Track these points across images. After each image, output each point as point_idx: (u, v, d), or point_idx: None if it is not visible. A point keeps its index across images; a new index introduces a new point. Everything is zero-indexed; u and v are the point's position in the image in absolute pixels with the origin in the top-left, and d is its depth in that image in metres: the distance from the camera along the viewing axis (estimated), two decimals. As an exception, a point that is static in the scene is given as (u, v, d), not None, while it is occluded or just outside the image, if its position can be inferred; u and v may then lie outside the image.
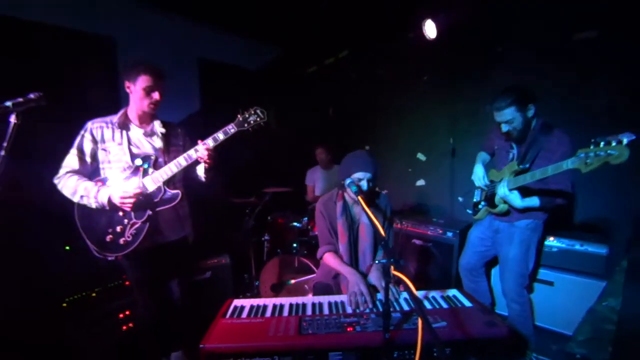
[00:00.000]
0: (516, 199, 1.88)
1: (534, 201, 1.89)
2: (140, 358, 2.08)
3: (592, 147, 1.43)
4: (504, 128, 1.94)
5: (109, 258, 1.70)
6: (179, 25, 3.36)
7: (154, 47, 3.13)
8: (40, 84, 1.47)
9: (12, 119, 1.38)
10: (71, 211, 1.71)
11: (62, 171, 1.68)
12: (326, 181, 3.76)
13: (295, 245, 2.89)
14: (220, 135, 1.71)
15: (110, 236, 1.68)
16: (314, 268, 2.62)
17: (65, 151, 1.71)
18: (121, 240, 1.68)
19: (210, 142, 1.71)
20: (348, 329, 1.24)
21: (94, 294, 2.26)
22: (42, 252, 2.22)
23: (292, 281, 2.69)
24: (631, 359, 1.81)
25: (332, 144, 3.71)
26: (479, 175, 2.21)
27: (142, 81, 1.67)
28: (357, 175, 1.66)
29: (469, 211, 2.40)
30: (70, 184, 1.64)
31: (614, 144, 1.35)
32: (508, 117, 1.88)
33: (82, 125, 1.73)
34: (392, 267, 1.04)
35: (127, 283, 2.46)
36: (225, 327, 1.29)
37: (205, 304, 2.61)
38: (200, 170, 1.85)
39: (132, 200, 1.61)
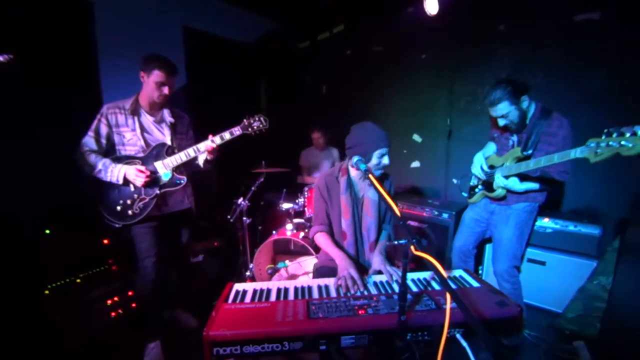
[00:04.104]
0: (515, 184, 1.91)
1: (534, 185, 1.91)
2: (134, 342, 2.02)
3: (604, 137, 1.39)
4: (501, 122, 1.94)
5: (116, 225, 1.87)
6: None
7: (134, 11, 2.88)
8: (10, 47, 1.33)
9: (-22, 83, 1.20)
10: (52, 190, 1.61)
11: (82, 149, 1.84)
12: (322, 162, 3.68)
13: (290, 226, 2.82)
14: (227, 135, 1.92)
15: (120, 207, 1.86)
16: (310, 249, 2.57)
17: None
18: (129, 212, 1.87)
19: (217, 140, 1.91)
20: (360, 312, 1.19)
21: (78, 280, 2.14)
22: (18, 236, 2.05)
23: (288, 262, 2.63)
24: (618, 335, 1.90)
25: (328, 125, 3.61)
26: (477, 164, 2.17)
27: (155, 76, 1.83)
28: (382, 150, 1.62)
29: (465, 194, 2.39)
30: (90, 161, 1.82)
31: (627, 135, 1.31)
32: (503, 112, 1.87)
33: (99, 109, 1.88)
34: (412, 248, 0.98)
35: (114, 268, 2.34)
36: (229, 312, 1.22)
37: (197, 288, 2.55)
38: (201, 160, 2.03)
39: (145, 177, 1.81)
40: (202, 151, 1.92)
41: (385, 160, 1.65)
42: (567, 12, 2.53)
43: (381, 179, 1.80)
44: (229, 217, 2.77)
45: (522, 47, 2.77)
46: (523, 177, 1.90)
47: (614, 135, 1.35)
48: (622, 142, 1.32)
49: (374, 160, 1.63)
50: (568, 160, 1.57)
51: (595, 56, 2.44)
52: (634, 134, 1.30)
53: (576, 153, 1.51)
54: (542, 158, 1.69)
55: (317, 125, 3.58)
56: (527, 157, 1.90)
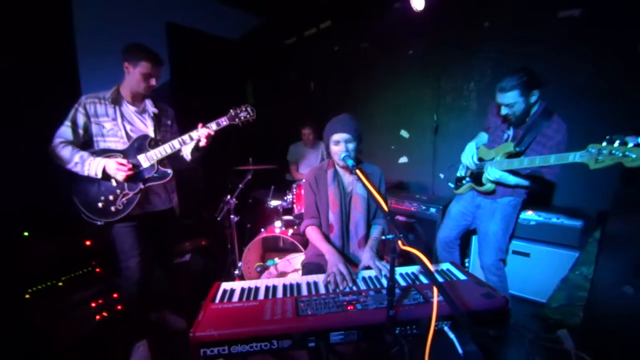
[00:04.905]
0: (508, 177, 1.89)
1: (524, 181, 1.91)
2: (120, 344, 1.98)
3: (605, 144, 1.36)
4: (503, 111, 1.90)
5: (98, 223, 1.78)
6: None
7: (115, 5, 2.80)
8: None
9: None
10: (30, 190, 1.55)
11: (56, 141, 1.73)
12: (310, 158, 3.66)
13: (279, 224, 2.80)
14: (213, 126, 1.87)
15: (102, 203, 1.77)
16: (300, 246, 2.56)
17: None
18: (112, 208, 1.78)
19: (203, 131, 1.85)
20: (349, 308, 1.19)
21: (60, 283, 2.07)
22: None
23: (277, 260, 2.61)
24: (599, 323, 1.96)
25: (318, 122, 3.59)
26: (468, 154, 2.17)
27: (142, 67, 1.76)
28: (335, 137, 1.61)
29: (451, 185, 2.40)
30: (65, 154, 1.71)
31: (631, 145, 1.28)
32: (510, 100, 1.83)
33: (77, 99, 1.79)
34: (400, 242, 0.98)
35: (97, 270, 2.28)
36: (216, 312, 1.20)
37: (185, 288, 2.51)
38: (188, 151, 1.96)
39: (127, 170, 1.73)
40: (187, 143, 1.85)
41: (341, 147, 1.61)
42: (551, 10, 2.56)
43: (371, 174, 1.79)
44: (216, 215, 2.73)
45: (506, 44, 2.81)
46: (514, 172, 1.90)
47: (617, 143, 1.32)
48: (627, 153, 1.29)
49: (331, 147, 1.64)
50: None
51: (578, 53, 2.48)
52: (638, 145, 1.27)
53: (575, 157, 1.48)
54: (538, 158, 1.67)
55: (308, 122, 3.56)
56: (518, 154, 1.90)
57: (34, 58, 2.33)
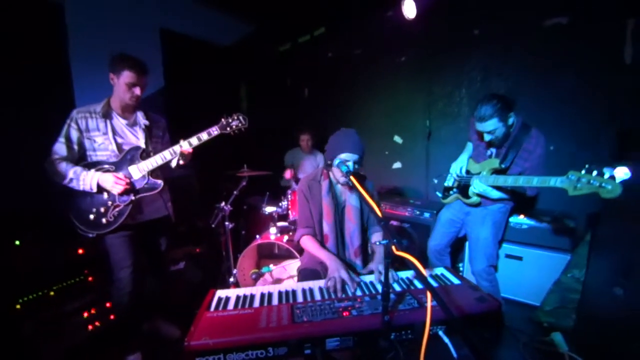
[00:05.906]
0: (492, 191, 1.97)
1: (507, 195, 2.00)
2: (113, 355, 1.95)
3: (584, 172, 1.42)
4: (486, 137, 1.96)
5: (90, 235, 1.76)
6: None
7: (109, 14, 2.80)
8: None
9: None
10: (21, 197, 1.54)
11: (52, 157, 1.73)
12: (304, 164, 3.67)
13: (274, 230, 2.80)
14: (204, 136, 1.85)
15: (93, 215, 1.76)
16: (295, 253, 2.56)
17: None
18: (103, 220, 1.77)
19: (194, 141, 1.85)
20: (344, 314, 1.19)
21: (52, 293, 2.04)
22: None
23: (272, 267, 2.61)
24: (592, 324, 1.98)
25: (317, 129, 3.61)
26: (459, 165, 2.23)
27: (126, 77, 1.75)
28: (344, 156, 1.60)
29: (439, 194, 2.44)
30: (60, 170, 1.71)
31: (607, 176, 1.35)
32: (490, 127, 1.89)
33: (68, 114, 1.78)
34: (394, 248, 0.99)
35: (90, 279, 2.25)
36: (211, 320, 1.19)
37: (179, 297, 2.49)
38: (174, 162, 1.92)
39: (125, 185, 1.73)
40: (178, 153, 1.84)
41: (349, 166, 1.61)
42: (538, 16, 2.63)
43: (362, 181, 1.81)
44: (210, 222, 2.71)
45: (495, 50, 2.87)
46: (497, 187, 1.97)
47: (594, 173, 1.38)
48: (604, 184, 1.35)
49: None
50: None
51: (564, 58, 2.55)
52: (613, 178, 1.34)
53: (556, 182, 1.55)
54: (522, 178, 1.74)
55: (306, 127, 3.59)
56: (503, 170, 1.97)
57: (30, 62, 2.33)
